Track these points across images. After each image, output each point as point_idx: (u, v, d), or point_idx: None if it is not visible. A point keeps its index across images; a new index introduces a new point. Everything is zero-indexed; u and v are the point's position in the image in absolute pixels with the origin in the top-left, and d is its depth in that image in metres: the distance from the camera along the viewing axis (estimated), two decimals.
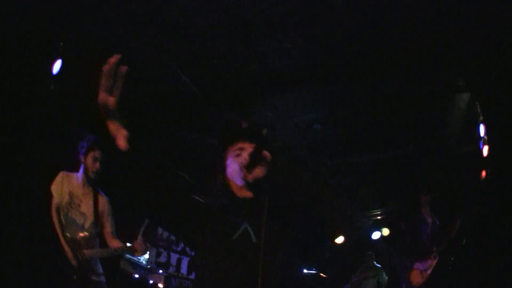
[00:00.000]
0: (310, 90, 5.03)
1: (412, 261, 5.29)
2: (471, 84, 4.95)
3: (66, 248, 3.97)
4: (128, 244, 4.22)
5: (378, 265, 8.77)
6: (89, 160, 4.12)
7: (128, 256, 7.02)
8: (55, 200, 4.11)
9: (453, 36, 4.27)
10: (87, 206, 4.17)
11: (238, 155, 2.18)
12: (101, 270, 4.23)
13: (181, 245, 8.35)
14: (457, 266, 5.39)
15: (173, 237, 8.14)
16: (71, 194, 4.14)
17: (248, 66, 4.77)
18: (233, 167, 2.19)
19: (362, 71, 4.81)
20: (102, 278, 4.21)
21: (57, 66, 4.78)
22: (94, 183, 4.26)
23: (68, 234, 4.04)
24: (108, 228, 4.27)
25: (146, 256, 7.17)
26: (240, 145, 2.21)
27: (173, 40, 4.45)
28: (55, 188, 4.16)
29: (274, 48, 4.49)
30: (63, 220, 4.08)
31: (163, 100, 5.32)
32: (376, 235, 8.59)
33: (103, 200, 4.29)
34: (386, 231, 8.51)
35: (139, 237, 4.13)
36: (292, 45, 4.45)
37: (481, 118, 5.02)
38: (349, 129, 5.83)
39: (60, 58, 4.76)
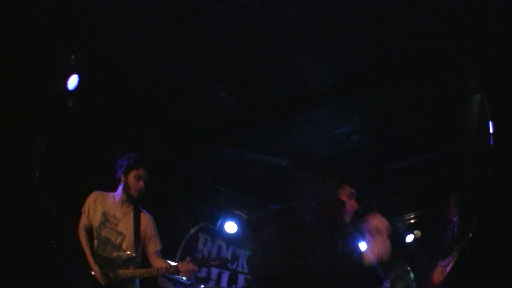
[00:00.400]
0: (347, 102, 5.11)
1: (437, 259, 5.37)
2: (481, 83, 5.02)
3: (94, 267, 3.89)
4: (173, 263, 4.14)
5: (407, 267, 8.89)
6: (131, 178, 4.05)
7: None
8: (85, 219, 4.08)
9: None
10: (125, 226, 4.08)
11: None
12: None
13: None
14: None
15: (214, 251, 8.27)
16: (106, 214, 4.07)
17: (285, 81, 4.88)
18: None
19: (395, 78, 4.90)
20: None
21: (73, 81, 4.80)
22: (135, 202, 4.16)
23: (102, 253, 3.99)
24: (152, 247, 4.15)
25: None
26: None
27: (210, 57, 4.52)
28: (87, 207, 4.11)
29: (310, 62, 4.55)
30: (95, 240, 4.03)
31: (203, 118, 5.45)
32: (409, 238, 8.69)
33: (146, 219, 4.17)
34: (418, 234, 8.62)
35: (188, 259, 3.96)
36: (327, 58, 4.51)
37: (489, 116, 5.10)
38: (384, 137, 5.91)
39: (76, 72, 4.80)
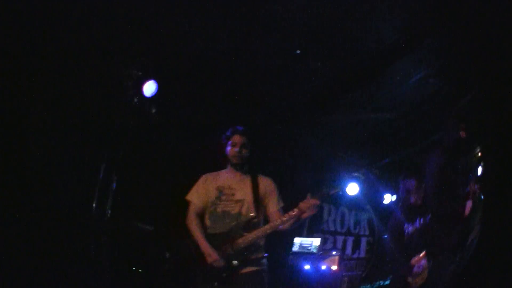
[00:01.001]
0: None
1: None
2: None
3: (208, 251, 3.73)
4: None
5: None
6: (228, 148, 4.05)
7: (299, 244, 7.79)
8: (195, 205, 4.01)
9: None
10: (243, 192, 3.96)
11: None
12: (262, 260, 3.88)
13: (346, 225, 9.00)
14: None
15: (338, 219, 8.80)
16: (220, 188, 4.00)
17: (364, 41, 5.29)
18: None
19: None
20: (263, 267, 3.86)
21: (150, 88, 5.07)
22: (249, 170, 4.11)
23: (217, 231, 3.85)
24: (273, 206, 3.97)
25: (317, 243, 7.69)
26: None
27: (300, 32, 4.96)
28: (195, 192, 4.08)
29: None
30: (208, 220, 3.94)
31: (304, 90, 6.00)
32: None
33: (264, 181, 4.05)
34: None
35: (308, 196, 3.66)
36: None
37: None
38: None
39: (152, 78, 5.08)
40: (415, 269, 4.78)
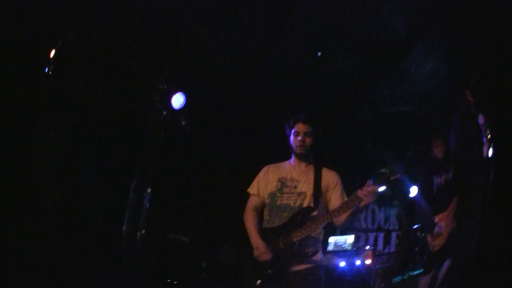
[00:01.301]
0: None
1: None
2: None
3: (258, 244, 3.48)
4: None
5: None
6: (291, 137, 3.78)
7: (334, 243, 8.01)
8: (255, 197, 3.80)
9: None
10: (306, 184, 3.67)
11: None
12: (318, 256, 3.54)
13: (377, 221, 9.21)
14: None
15: (369, 216, 9.05)
16: (282, 180, 3.74)
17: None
18: None
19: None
20: (319, 263, 3.53)
21: (179, 101, 5.17)
22: (313, 161, 3.83)
23: (274, 224, 3.58)
24: (335, 201, 3.61)
25: (350, 241, 7.96)
26: None
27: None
28: (256, 184, 3.85)
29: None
30: (267, 216, 3.68)
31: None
32: None
33: (328, 173, 3.74)
34: None
35: (367, 182, 3.35)
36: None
37: None
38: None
39: (181, 91, 5.17)
40: (436, 229, 4.75)
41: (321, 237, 3.64)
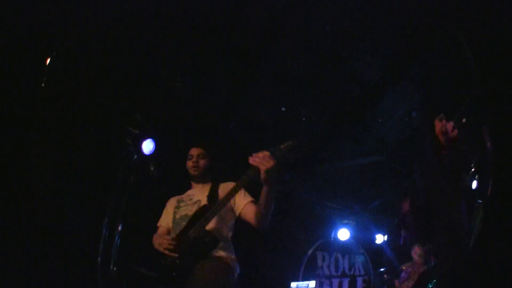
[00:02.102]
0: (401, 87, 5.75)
1: None
2: None
3: (158, 240, 3.50)
4: None
5: None
6: (188, 161, 3.84)
7: None
8: (162, 227, 3.79)
9: None
10: (202, 193, 3.68)
11: None
12: (220, 254, 3.43)
13: (340, 268, 9.22)
14: None
15: (332, 264, 9.07)
16: (180, 200, 3.80)
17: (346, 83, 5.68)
18: None
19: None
20: (221, 263, 3.42)
21: (148, 147, 5.27)
22: (212, 180, 3.84)
23: (174, 235, 3.51)
24: (242, 201, 3.56)
25: (312, 285, 8.03)
26: None
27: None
28: (162, 215, 3.89)
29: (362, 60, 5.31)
30: (172, 233, 3.62)
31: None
32: None
33: (226, 184, 3.70)
34: None
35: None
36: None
37: None
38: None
39: (150, 137, 5.30)
40: (402, 274, 5.00)
41: (229, 235, 3.60)
